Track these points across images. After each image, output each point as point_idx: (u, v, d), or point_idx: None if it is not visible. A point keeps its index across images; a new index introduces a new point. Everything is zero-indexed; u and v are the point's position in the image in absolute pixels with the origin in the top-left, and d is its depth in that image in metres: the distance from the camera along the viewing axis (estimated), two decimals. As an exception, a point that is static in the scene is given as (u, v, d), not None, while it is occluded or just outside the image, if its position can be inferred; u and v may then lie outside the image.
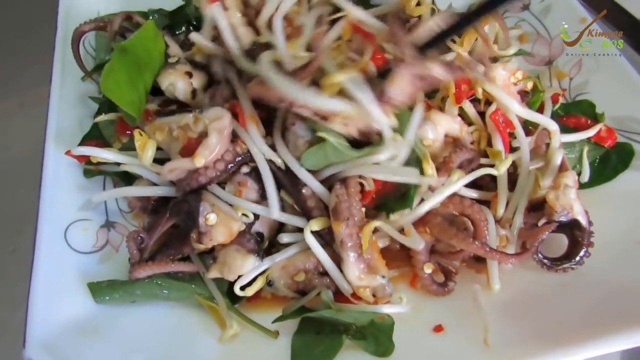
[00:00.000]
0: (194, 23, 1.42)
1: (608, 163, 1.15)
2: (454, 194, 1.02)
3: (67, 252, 1.01)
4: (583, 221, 1.03)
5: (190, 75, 1.08)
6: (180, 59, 1.11)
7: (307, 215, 1.00)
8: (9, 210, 1.35)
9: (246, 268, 0.96)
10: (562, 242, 1.04)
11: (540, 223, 1.03)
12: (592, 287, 0.97)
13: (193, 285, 0.99)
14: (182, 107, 1.09)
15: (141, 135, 0.99)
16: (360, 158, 0.97)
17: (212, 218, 0.94)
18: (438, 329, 0.94)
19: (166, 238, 1.01)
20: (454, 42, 1.11)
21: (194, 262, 1.02)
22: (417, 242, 0.98)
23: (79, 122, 1.20)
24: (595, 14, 1.55)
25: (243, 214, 0.97)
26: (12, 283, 1.18)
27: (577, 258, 1.01)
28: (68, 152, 1.07)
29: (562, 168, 1.07)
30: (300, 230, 1.00)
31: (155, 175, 1.03)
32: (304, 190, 0.99)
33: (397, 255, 1.06)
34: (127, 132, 1.12)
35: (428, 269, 1.01)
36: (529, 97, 1.22)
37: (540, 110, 1.19)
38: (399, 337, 0.91)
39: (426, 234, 1.02)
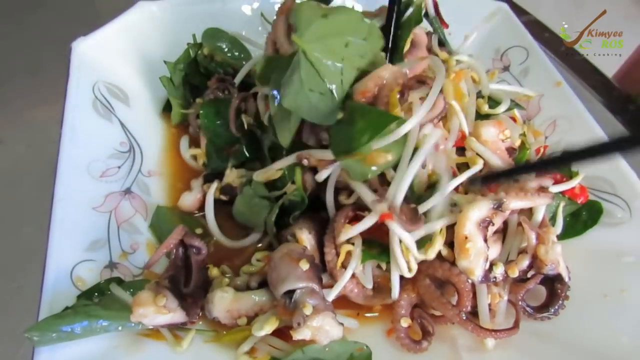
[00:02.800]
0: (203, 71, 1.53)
1: (579, 219, 1.24)
2: (445, 261, 1.08)
3: (72, 292, 1.05)
4: (565, 276, 1.11)
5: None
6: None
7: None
8: (15, 248, 1.40)
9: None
10: (537, 293, 1.14)
11: (529, 275, 1.12)
12: (562, 338, 1.06)
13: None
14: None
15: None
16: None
17: None
18: (419, 373, 1.01)
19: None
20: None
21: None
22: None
23: (87, 165, 1.26)
24: (573, 74, 1.67)
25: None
26: (16, 319, 1.20)
27: (554, 309, 1.10)
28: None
29: (542, 224, 1.16)
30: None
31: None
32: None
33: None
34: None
35: (405, 323, 1.06)
36: (516, 154, 1.30)
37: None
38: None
39: (412, 291, 1.09)
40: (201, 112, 1.38)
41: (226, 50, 1.65)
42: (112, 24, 1.49)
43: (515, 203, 1.08)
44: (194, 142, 1.45)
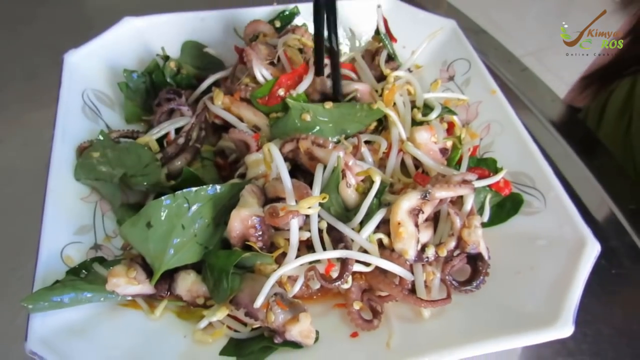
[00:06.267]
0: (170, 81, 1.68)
1: (503, 208, 1.39)
2: (386, 248, 1.24)
3: (62, 268, 1.20)
4: (485, 255, 1.28)
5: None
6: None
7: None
8: (11, 235, 1.54)
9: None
10: (462, 270, 1.30)
11: (455, 254, 1.29)
12: (479, 305, 1.22)
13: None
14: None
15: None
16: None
17: None
18: (354, 335, 1.18)
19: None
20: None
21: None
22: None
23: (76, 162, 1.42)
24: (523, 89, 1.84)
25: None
26: (12, 295, 1.35)
27: (476, 283, 1.26)
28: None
29: (470, 212, 1.35)
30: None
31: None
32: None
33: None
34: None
35: (357, 306, 1.20)
36: (448, 154, 1.49)
37: (459, 163, 1.48)
38: (324, 341, 1.16)
39: (360, 279, 1.25)
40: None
41: (204, 62, 1.84)
42: (99, 37, 1.66)
43: (439, 193, 1.26)
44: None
